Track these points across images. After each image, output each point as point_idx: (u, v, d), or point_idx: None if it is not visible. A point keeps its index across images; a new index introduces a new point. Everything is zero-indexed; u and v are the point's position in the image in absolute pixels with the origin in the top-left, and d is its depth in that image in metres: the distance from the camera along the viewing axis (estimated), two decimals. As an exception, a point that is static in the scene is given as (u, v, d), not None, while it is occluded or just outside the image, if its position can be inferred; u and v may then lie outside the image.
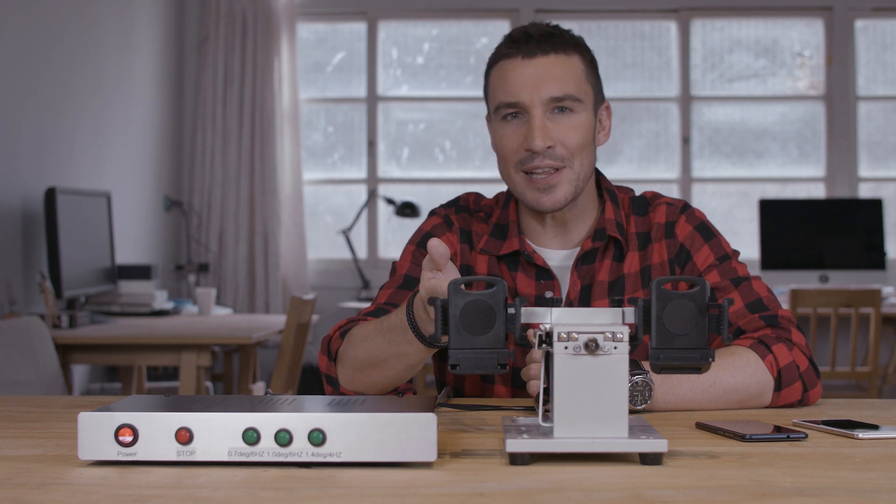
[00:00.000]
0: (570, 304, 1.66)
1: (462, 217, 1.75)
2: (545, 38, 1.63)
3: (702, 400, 1.48)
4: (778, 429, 1.28)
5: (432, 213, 1.78)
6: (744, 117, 5.84)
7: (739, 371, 1.50)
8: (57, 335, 3.38)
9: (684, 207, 1.72)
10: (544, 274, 1.67)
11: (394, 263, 1.75)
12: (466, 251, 1.73)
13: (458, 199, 1.79)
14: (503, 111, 1.63)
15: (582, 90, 1.63)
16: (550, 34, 1.64)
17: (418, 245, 1.74)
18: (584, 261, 1.68)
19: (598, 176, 1.75)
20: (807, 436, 1.24)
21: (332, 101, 5.90)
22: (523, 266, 1.69)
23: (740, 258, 1.70)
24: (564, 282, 1.68)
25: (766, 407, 1.53)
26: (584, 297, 1.66)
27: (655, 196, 1.74)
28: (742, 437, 1.22)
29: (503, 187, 1.78)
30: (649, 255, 1.68)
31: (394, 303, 1.67)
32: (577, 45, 1.65)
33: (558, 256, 1.70)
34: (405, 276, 1.70)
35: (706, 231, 1.69)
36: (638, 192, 1.78)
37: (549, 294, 1.66)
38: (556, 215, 1.68)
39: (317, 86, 5.90)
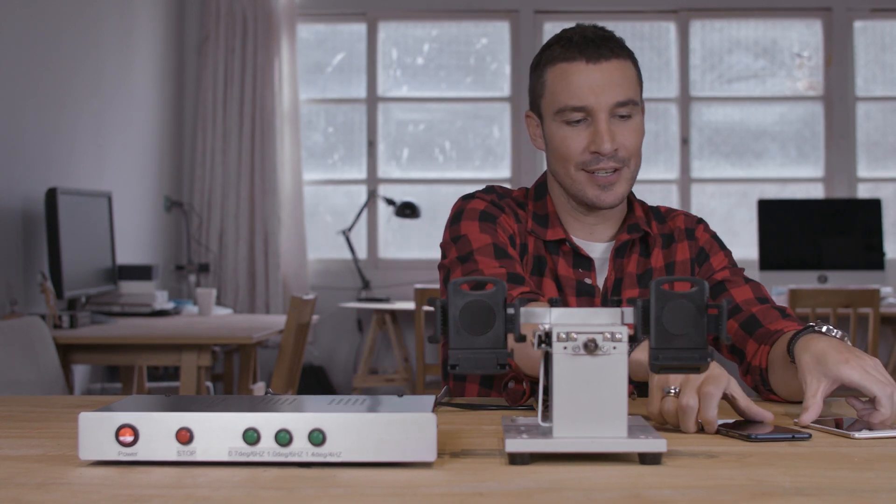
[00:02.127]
0: (606, 291, 1.74)
1: (506, 201, 1.79)
2: (604, 42, 1.68)
3: None
4: (781, 429, 1.28)
5: (470, 196, 1.77)
6: (743, 118, 5.85)
7: None
8: (58, 335, 3.38)
9: (700, 220, 1.84)
10: (583, 263, 1.74)
11: (464, 238, 1.70)
12: (523, 230, 1.77)
13: (490, 187, 1.81)
14: (568, 114, 1.68)
15: (637, 94, 1.71)
16: (608, 38, 1.69)
17: (481, 220, 1.72)
18: (619, 253, 1.76)
19: None
20: (811, 436, 1.24)
21: (332, 101, 5.91)
22: (563, 253, 1.75)
23: (736, 263, 1.83)
24: (601, 272, 1.76)
25: None
26: (616, 288, 1.75)
27: (670, 209, 1.86)
28: (747, 437, 1.22)
29: (502, 186, 1.82)
30: (673, 253, 1.79)
31: (511, 272, 1.65)
32: (628, 51, 1.72)
33: (598, 249, 1.78)
34: (494, 246, 1.69)
35: (720, 242, 1.83)
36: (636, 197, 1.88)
37: (587, 281, 1.73)
38: (602, 211, 1.75)
39: (317, 86, 5.90)
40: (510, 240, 1.73)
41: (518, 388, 1.56)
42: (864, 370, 1.34)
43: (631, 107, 1.68)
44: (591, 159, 1.67)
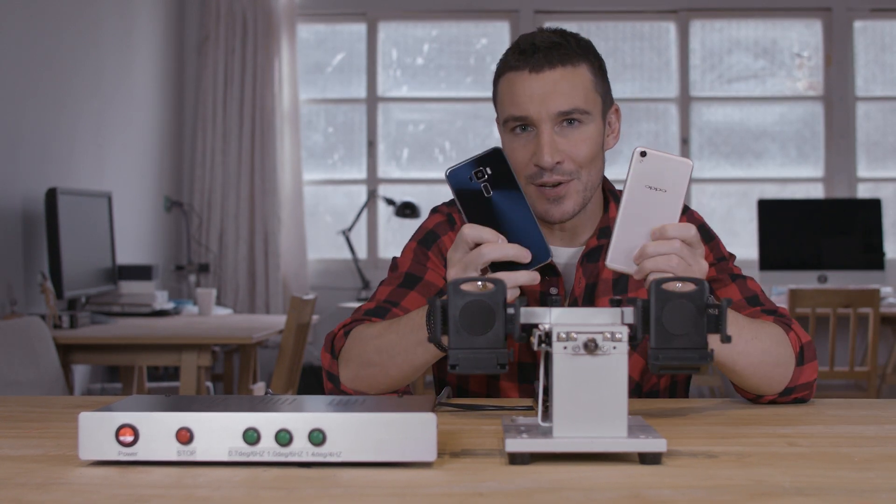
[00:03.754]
0: (574, 301, 1.68)
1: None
2: (552, 49, 1.62)
3: (742, 350, 1.48)
4: None
5: (434, 210, 1.79)
6: (743, 118, 5.85)
7: (773, 336, 1.53)
8: (58, 335, 3.38)
9: (683, 209, 1.74)
10: (549, 271, 1.68)
11: (394, 260, 1.75)
12: None
13: None
14: (511, 124, 1.63)
15: (590, 101, 1.63)
16: (557, 45, 1.63)
17: (420, 243, 1.74)
18: (589, 258, 1.69)
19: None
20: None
21: (332, 101, 5.91)
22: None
23: (736, 262, 1.75)
24: (569, 279, 1.70)
25: (786, 388, 1.53)
26: (588, 295, 1.68)
27: None
28: None
29: None
30: None
31: (394, 300, 1.67)
32: (584, 54, 1.64)
33: (565, 254, 1.71)
34: (406, 274, 1.71)
35: (706, 233, 1.73)
36: None
37: (553, 290, 1.68)
38: (564, 223, 1.69)
39: (317, 86, 5.90)
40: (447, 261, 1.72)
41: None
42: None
43: (579, 115, 1.61)
44: (536, 172, 1.61)
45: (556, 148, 1.60)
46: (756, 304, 1.65)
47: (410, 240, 1.76)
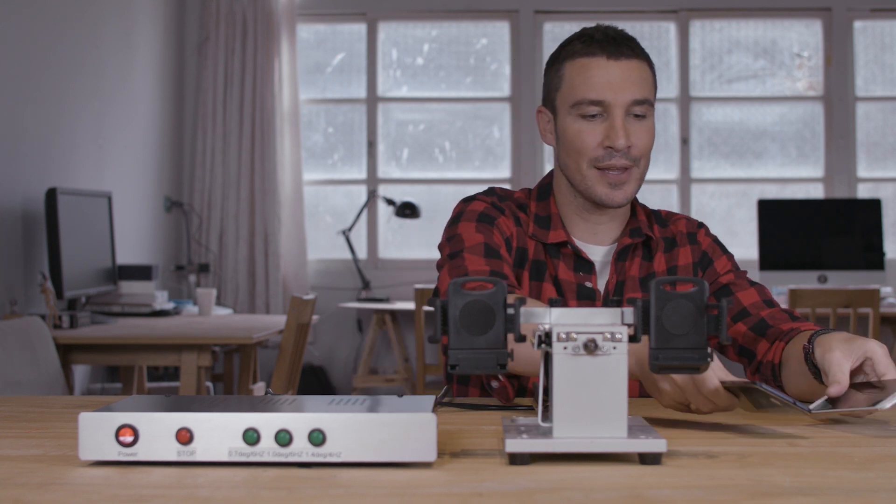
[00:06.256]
0: (607, 294, 1.74)
1: (507, 204, 1.79)
2: (625, 41, 1.71)
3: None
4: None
5: (471, 198, 1.78)
6: (743, 118, 5.85)
7: None
8: (58, 335, 3.38)
9: (701, 223, 1.86)
10: (584, 266, 1.75)
11: (455, 239, 1.72)
12: (522, 234, 1.77)
13: (491, 189, 1.81)
14: (584, 108, 1.69)
15: (652, 96, 1.73)
16: (629, 38, 1.72)
17: (479, 220, 1.73)
18: (620, 257, 1.77)
19: None
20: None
21: (332, 101, 5.91)
22: (564, 256, 1.76)
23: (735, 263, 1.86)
24: (601, 275, 1.77)
25: None
26: (617, 291, 1.76)
27: (670, 213, 1.87)
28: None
29: (504, 188, 1.82)
30: (675, 257, 1.80)
31: (497, 270, 1.66)
32: (647, 55, 1.74)
33: (598, 252, 1.78)
34: (485, 245, 1.69)
35: (722, 246, 1.85)
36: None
37: (588, 284, 1.74)
38: (608, 211, 1.76)
39: (317, 86, 5.90)
40: (506, 242, 1.74)
41: (503, 385, 1.56)
42: (886, 350, 1.40)
43: (646, 107, 1.70)
44: (604, 154, 1.68)
45: (628, 133, 1.68)
46: (772, 307, 1.73)
47: (462, 221, 1.73)
